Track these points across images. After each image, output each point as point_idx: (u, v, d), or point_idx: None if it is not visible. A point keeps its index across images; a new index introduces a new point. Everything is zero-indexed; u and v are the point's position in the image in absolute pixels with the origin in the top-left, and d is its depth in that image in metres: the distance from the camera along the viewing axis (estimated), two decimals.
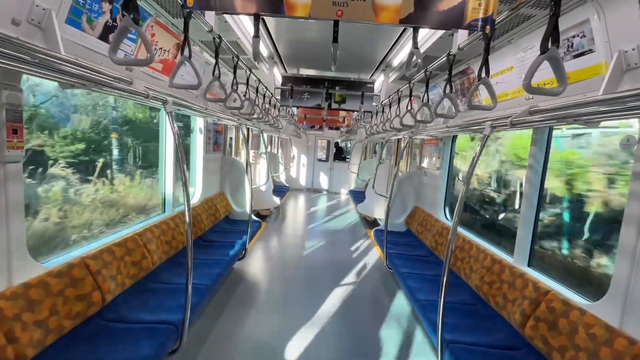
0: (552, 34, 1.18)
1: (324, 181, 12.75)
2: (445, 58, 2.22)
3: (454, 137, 4.33)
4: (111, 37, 2.23)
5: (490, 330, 2.49)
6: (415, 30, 1.71)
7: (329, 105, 4.81)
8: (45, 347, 1.78)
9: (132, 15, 1.26)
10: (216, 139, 5.02)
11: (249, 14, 1.52)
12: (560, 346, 1.94)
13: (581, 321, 1.88)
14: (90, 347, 1.95)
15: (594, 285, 2.53)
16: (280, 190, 9.01)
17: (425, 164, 5.25)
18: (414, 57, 1.74)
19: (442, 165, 4.49)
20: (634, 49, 1.68)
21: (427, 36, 3.00)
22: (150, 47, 1.35)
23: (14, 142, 1.64)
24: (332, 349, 2.82)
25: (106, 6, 2.10)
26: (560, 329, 1.97)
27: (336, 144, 12.75)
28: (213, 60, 3.59)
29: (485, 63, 1.58)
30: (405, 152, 6.16)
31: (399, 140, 6.86)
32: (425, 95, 3.04)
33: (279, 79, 5.15)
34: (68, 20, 1.85)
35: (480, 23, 1.43)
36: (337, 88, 4.70)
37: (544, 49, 1.21)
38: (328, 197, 11.46)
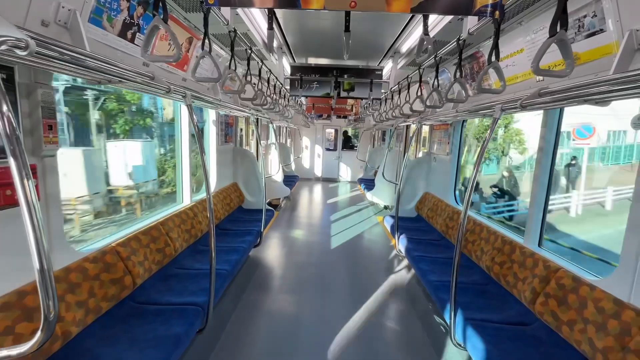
0: (561, 18, 1.21)
1: (333, 170, 12.81)
2: (455, 43, 2.25)
3: (464, 122, 4.34)
4: (129, 33, 2.32)
5: (501, 308, 2.57)
6: (426, 17, 1.74)
7: (338, 93, 4.84)
8: (86, 325, 1.94)
9: (162, 15, 1.33)
10: (227, 131, 5.12)
11: (266, 8, 1.57)
12: (569, 320, 2.01)
13: (590, 296, 1.95)
14: (126, 326, 2.11)
15: None
16: (290, 179, 9.12)
17: (434, 149, 5.27)
18: (424, 43, 1.78)
19: (451, 150, 4.51)
20: None
21: (437, 21, 3.00)
22: (178, 44, 1.43)
23: (49, 137, 1.76)
24: (346, 327, 2.95)
25: (124, 4, 2.18)
26: (570, 304, 2.05)
27: (344, 132, 12.75)
28: (222, 52, 3.67)
29: (496, 47, 1.61)
30: (414, 138, 6.17)
31: (407, 127, 6.86)
32: (435, 80, 3.06)
33: (287, 69, 5.18)
34: (91, 19, 1.94)
35: (489, 9, 1.46)
36: (345, 76, 4.72)
37: (552, 32, 1.24)
38: (337, 186, 11.55)
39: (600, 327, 1.82)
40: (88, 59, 1.54)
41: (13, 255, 1.63)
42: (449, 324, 2.38)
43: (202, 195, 4.25)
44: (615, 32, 1.88)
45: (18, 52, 1.01)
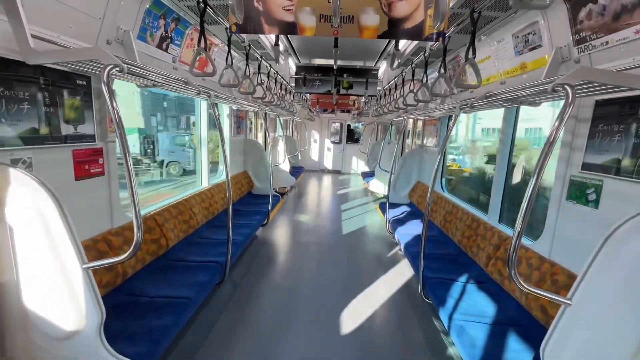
0: (472, 47, 1.73)
1: (337, 162, 13.34)
2: (439, 42, 2.72)
3: (449, 118, 4.83)
4: (164, 44, 2.90)
5: (465, 272, 3.13)
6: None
7: (338, 91, 5.38)
8: (137, 271, 2.57)
9: (204, 45, 1.90)
10: (239, 124, 5.71)
11: (273, 34, 2.12)
12: (507, 275, 2.56)
13: (525, 255, 2.50)
14: (163, 275, 2.73)
15: None
16: (296, 170, 9.71)
17: (426, 142, 5.77)
18: (395, 57, 2.31)
19: (439, 143, 5.02)
20: (565, 46, 2.19)
21: None
22: (214, 64, 2.00)
23: (112, 128, 2.36)
24: (336, 285, 3.54)
25: (161, 22, 2.75)
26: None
27: (348, 126, 13.23)
28: (237, 55, 4.23)
29: (443, 61, 2.13)
30: (407, 132, 6.68)
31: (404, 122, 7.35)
32: (424, 76, 3.52)
33: (293, 68, 5.72)
34: (139, 36, 2.52)
35: (435, 36, 1.97)
36: (344, 75, 5.26)
37: (466, 57, 1.77)
38: (341, 177, 12.11)
39: (527, 277, 2.37)
40: (146, 70, 2.11)
41: (89, 213, 2.24)
42: (418, 281, 2.95)
43: (217, 180, 4.86)
44: (548, 48, 2.38)
45: (117, 72, 1.58)
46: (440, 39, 1.95)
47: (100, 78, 1.46)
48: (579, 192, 2.11)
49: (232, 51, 4.14)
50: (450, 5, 2.34)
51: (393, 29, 1.95)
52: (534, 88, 1.85)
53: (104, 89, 1.46)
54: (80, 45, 1.94)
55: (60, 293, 1.57)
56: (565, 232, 2.23)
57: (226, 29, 2.18)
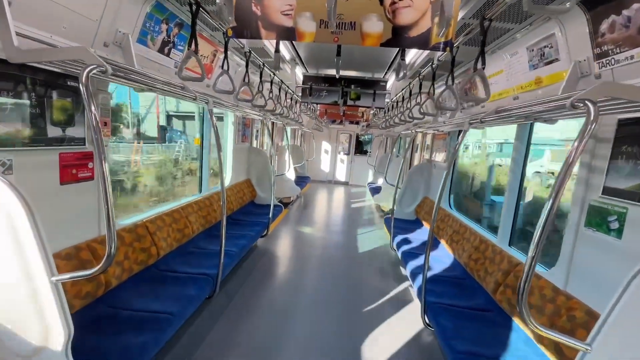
0: (481, 57, 1.59)
1: (344, 173, 13.20)
2: (448, 53, 2.59)
3: (459, 132, 4.66)
4: (166, 49, 2.85)
5: (470, 297, 2.91)
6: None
7: (345, 102, 5.28)
8: (122, 281, 2.45)
9: (194, 48, 1.82)
10: (244, 131, 5.65)
11: (270, 40, 2.04)
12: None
13: (537, 285, 2.28)
14: (151, 286, 2.61)
15: None
16: (301, 180, 9.60)
17: (435, 157, 5.60)
18: (401, 67, 2.19)
19: (448, 158, 4.84)
20: (585, 60, 2.04)
21: None
22: (203, 68, 1.92)
23: (104, 131, 2.29)
24: (335, 305, 3.35)
25: (164, 27, 2.71)
26: None
27: (357, 137, 13.13)
28: (242, 62, 4.19)
29: (451, 73, 2.00)
30: (414, 146, 6.51)
31: (413, 135, 7.20)
32: (431, 89, 3.38)
33: (300, 78, 5.68)
34: (139, 40, 2.47)
35: (442, 45, 1.85)
36: (352, 86, 5.16)
37: (474, 68, 1.63)
38: (347, 189, 11.94)
39: (539, 310, 2.16)
40: (138, 75, 2.04)
41: (73, 219, 2.15)
42: (420, 306, 2.76)
43: (218, 188, 4.78)
44: (566, 62, 2.23)
45: (100, 74, 1.50)
46: (448, 49, 1.83)
47: (86, 79, 1.38)
48: (600, 219, 1.91)
49: (237, 59, 4.12)
50: (462, 16, 2.22)
51: (397, 37, 1.84)
52: (550, 103, 1.69)
53: (82, 90, 1.37)
54: (73, 46, 1.89)
55: (25, 306, 1.46)
56: (584, 261, 2.02)
57: (223, 33, 2.11)
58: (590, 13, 1.92)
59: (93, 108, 1.39)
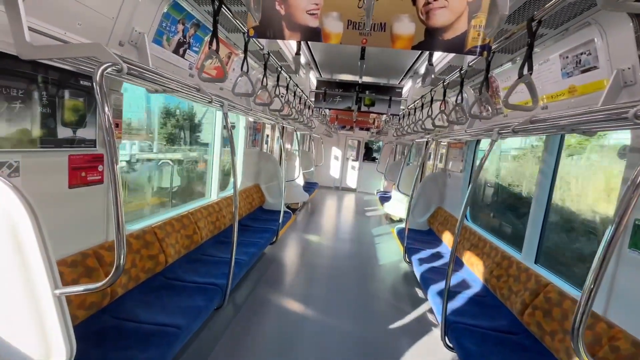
0: (528, 62, 1.46)
1: (352, 180, 13.04)
2: (458, 73, 2.49)
3: (477, 142, 4.51)
4: (181, 50, 2.77)
5: (493, 317, 2.74)
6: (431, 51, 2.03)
7: (359, 108, 5.17)
8: (128, 290, 2.34)
9: (215, 47, 1.72)
10: (255, 136, 5.57)
11: (294, 40, 1.93)
12: (552, 330, 2.17)
13: (572, 309, 2.11)
14: (158, 295, 2.49)
15: None
16: (310, 186, 9.48)
17: (450, 166, 5.43)
18: (429, 72, 2.06)
19: (465, 167, 4.68)
20: (629, 68, 1.89)
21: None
22: (225, 69, 1.81)
23: (116, 133, 2.19)
24: (349, 323, 3.20)
25: (180, 27, 2.63)
26: (554, 316, 2.21)
27: (366, 144, 12.99)
28: (256, 65, 4.11)
29: (486, 80, 1.87)
30: (429, 154, 6.36)
31: (427, 143, 7.05)
32: (460, 96, 3.20)
33: (314, 83, 5.59)
34: (154, 40, 2.39)
35: (478, 49, 1.73)
36: (367, 92, 5.05)
37: (520, 74, 1.49)
38: (356, 196, 11.78)
39: None
40: (153, 74, 1.95)
41: (81, 224, 2.05)
42: (440, 326, 2.59)
43: (227, 192, 4.67)
44: (606, 70, 2.08)
45: (115, 73, 1.40)
46: (485, 53, 1.71)
47: (101, 78, 1.28)
48: None
49: (251, 61, 4.05)
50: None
51: (430, 39, 1.72)
52: (599, 113, 1.55)
53: (96, 89, 1.27)
54: (88, 43, 1.80)
55: (26, 319, 1.35)
56: (628, 287, 1.85)
57: (243, 34, 2.01)
58: (639, 17, 1.78)
59: (106, 109, 1.28)
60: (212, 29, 1.84)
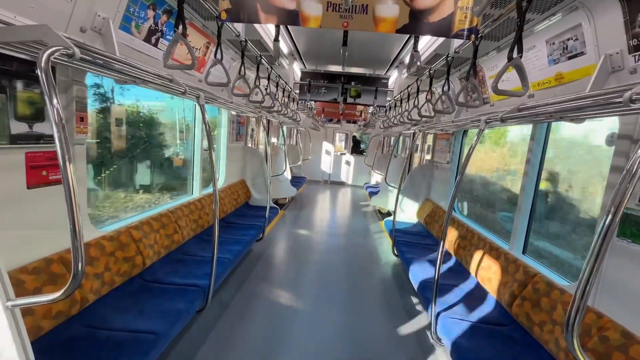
0: (517, 45, 1.39)
1: (341, 174, 12.98)
2: (467, 46, 2.33)
3: (464, 132, 4.48)
4: (153, 39, 2.59)
5: (482, 309, 2.71)
6: (416, 35, 1.93)
7: (345, 99, 5.06)
8: (102, 295, 2.19)
9: (181, 30, 1.57)
10: (239, 130, 5.40)
11: (270, 24, 1.80)
12: (540, 321, 2.15)
13: (560, 299, 2.09)
14: (135, 300, 2.35)
15: None
16: (297, 180, 9.35)
17: (437, 158, 5.40)
18: (414, 59, 1.97)
19: (452, 159, 4.65)
20: (617, 53, 1.84)
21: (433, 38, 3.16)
22: (194, 55, 1.67)
23: (80, 127, 2.03)
24: (337, 320, 3.13)
25: (150, 13, 2.45)
26: (542, 307, 2.18)
27: (354, 137, 12.91)
28: (238, 56, 3.93)
29: (473, 66, 1.79)
30: (417, 146, 6.33)
31: (414, 135, 7.01)
32: (447, 84, 3.10)
33: (298, 74, 5.43)
34: (121, 26, 2.21)
35: (465, 33, 1.64)
36: (352, 83, 4.94)
37: (509, 57, 1.42)
38: (344, 189, 11.73)
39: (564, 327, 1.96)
40: (117, 62, 1.79)
41: (44, 228, 1.89)
42: (430, 319, 2.55)
43: (211, 189, 4.52)
44: (594, 55, 2.03)
45: (66, 58, 1.25)
46: (472, 36, 1.62)
47: (46, 63, 1.13)
48: (637, 230, 1.72)
49: (232, 52, 3.87)
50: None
51: (415, 22, 1.62)
52: (589, 99, 1.49)
53: (41, 77, 1.12)
54: (33, 24, 1.63)
55: None
56: (615, 276, 1.83)
57: (216, 18, 1.86)
58: (628, 1, 1.72)
59: (55, 101, 1.14)
60: (177, 10, 1.69)
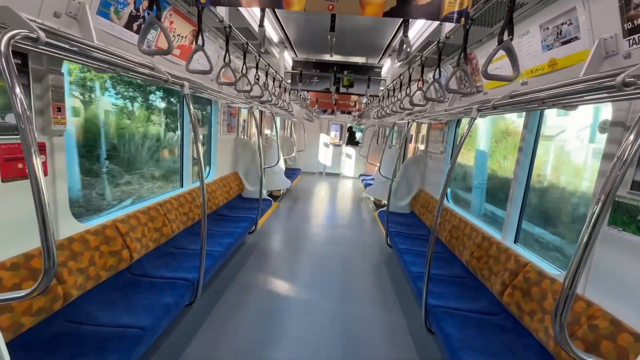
0: (508, 27, 1.33)
1: (336, 165, 12.93)
2: (458, 32, 2.26)
3: (458, 122, 4.43)
4: (135, 25, 2.48)
5: (474, 298, 2.71)
6: (406, 20, 1.87)
7: (337, 89, 4.97)
8: (86, 290, 2.14)
9: (155, 13, 1.49)
10: (230, 121, 5.30)
11: (253, 7, 1.73)
12: (531, 310, 2.15)
13: (551, 288, 2.08)
14: (122, 294, 2.31)
15: None
16: (292, 172, 9.29)
17: (431, 148, 5.37)
18: (404, 45, 1.90)
19: (445, 149, 4.61)
20: (612, 37, 1.79)
21: (426, 23, 3.09)
22: (170, 39, 1.59)
23: (58, 118, 1.95)
24: (331, 311, 3.12)
25: None
26: (532, 296, 2.18)
27: (349, 128, 12.83)
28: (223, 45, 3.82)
29: (464, 51, 1.73)
30: (411, 136, 6.28)
31: (407, 125, 6.95)
32: (438, 71, 3.02)
33: (289, 63, 5.32)
34: (99, 11, 2.11)
35: (455, 15, 1.58)
36: (345, 72, 4.85)
37: (500, 40, 1.36)
38: (339, 180, 11.69)
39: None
40: (94, 50, 1.71)
41: (23, 222, 1.83)
42: (422, 309, 2.54)
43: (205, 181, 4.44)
44: (588, 40, 1.98)
45: (30, 43, 1.18)
46: (463, 19, 1.56)
47: (6, 47, 1.05)
48: (627, 218, 1.70)
49: (221, 41, 3.76)
50: None
51: (403, 4, 1.55)
52: (582, 84, 1.45)
53: (1, 64, 1.05)
54: None
55: None
56: (605, 264, 1.82)
57: (195, 1, 1.78)
58: None
59: (18, 90, 1.07)
60: None
